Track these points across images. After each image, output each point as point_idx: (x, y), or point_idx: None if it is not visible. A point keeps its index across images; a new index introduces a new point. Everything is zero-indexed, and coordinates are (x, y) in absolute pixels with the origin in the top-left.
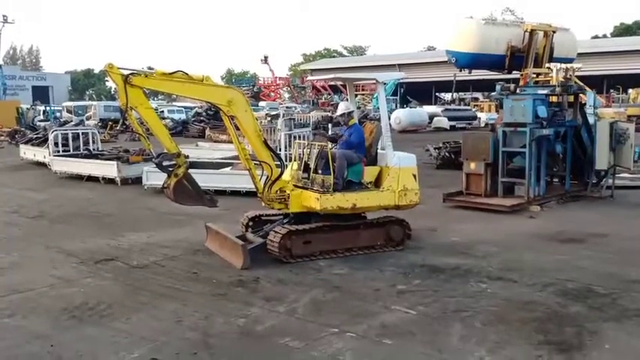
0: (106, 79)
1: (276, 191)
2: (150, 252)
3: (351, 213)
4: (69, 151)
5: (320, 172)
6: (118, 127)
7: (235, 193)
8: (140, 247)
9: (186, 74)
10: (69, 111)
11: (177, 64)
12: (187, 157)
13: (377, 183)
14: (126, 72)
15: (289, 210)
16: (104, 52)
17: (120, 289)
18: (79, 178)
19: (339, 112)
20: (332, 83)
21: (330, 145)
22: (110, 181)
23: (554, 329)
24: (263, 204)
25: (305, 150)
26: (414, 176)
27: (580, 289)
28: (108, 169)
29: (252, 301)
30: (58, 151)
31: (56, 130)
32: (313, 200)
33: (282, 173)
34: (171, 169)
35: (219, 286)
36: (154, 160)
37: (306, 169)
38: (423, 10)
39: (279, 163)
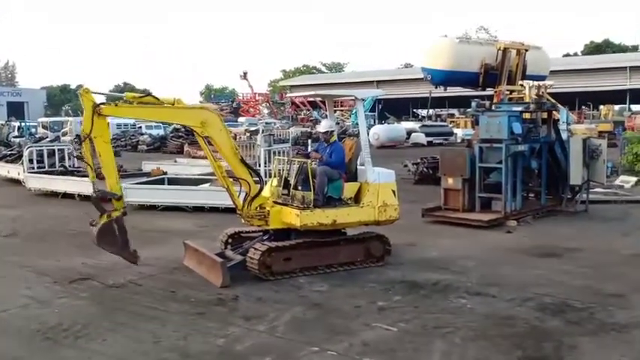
0: None
1: (256, 208)
2: (126, 271)
3: (331, 229)
4: (44, 167)
5: (300, 188)
6: (75, 154)
7: (214, 210)
8: (117, 266)
9: (156, 98)
10: (44, 127)
11: (155, 79)
12: (125, 211)
13: (356, 199)
14: (99, 98)
15: (269, 227)
16: (81, 68)
17: (96, 309)
18: (54, 195)
19: (322, 129)
20: (311, 99)
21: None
22: (86, 198)
23: (533, 344)
24: (243, 221)
25: (285, 166)
26: (394, 192)
27: (558, 303)
28: (84, 185)
29: (231, 320)
30: (33, 168)
31: (31, 147)
32: (293, 216)
33: (261, 189)
34: (107, 210)
35: (197, 305)
36: (92, 194)
37: (286, 185)
38: (400, 28)
39: (257, 179)
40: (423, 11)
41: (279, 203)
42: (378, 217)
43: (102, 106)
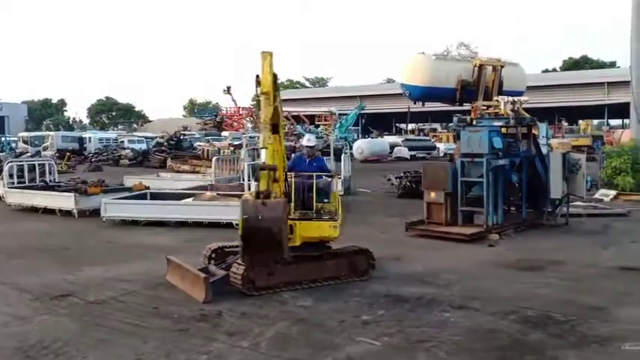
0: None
1: None
2: (108, 287)
3: (318, 242)
4: (24, 182)
5: (326, 201)
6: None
7: (198, 225)
8: (98, 282)
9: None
10: (25, 141)
11: (137, 93)
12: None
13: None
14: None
15: (295, 243)
16: (62, 82)
17: (77, 326)
18: (34, 210)
19: (309, 143)
20: (295, 114)
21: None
22: (67, 213)
23: (517, 357)
24: None
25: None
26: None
27: (540, 316)
28: (65, 201)
29: (214, 336)
30: (13, 183)
31: (11, 161)
32: (329, 229)
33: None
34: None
35: (180, 321)
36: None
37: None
38: (383, 43)
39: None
40: (402, 26)
41: (291, 219)
42: (342, 223)
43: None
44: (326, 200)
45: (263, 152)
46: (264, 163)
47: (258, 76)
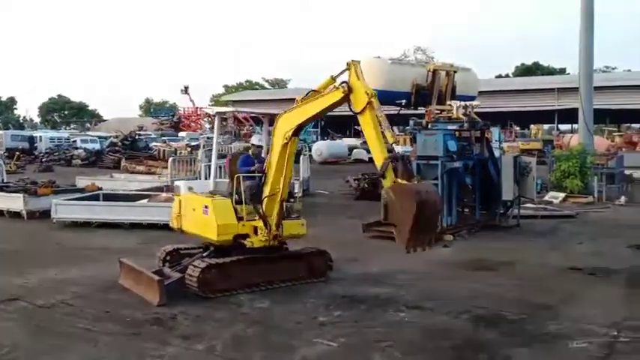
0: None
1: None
2: (58, 290)
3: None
4: None
5: (293, 200)
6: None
7: (152, 226)
8: (47, 285)
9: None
10: None
11: (91, 91)
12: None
13: None
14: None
15: (276, 244)
16: (12, 79)
17: (25, 330)
18: None
19: (260, 142)
20: (253, 115)
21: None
22: (16, 214)
23: (470, 356)
24: (269, 243)
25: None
26: None
27: (492, 315)
28: (13, 201)
29: (168, 340)
30: None
31: None
32: (299, 227)
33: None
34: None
35: (133, 325)
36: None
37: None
38: (342, 46)
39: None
40: (359, 27)
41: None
42: None
43: None
44: (292, 200)
45: (397, 148)
46: (396, 152)
47: (346, 82)
